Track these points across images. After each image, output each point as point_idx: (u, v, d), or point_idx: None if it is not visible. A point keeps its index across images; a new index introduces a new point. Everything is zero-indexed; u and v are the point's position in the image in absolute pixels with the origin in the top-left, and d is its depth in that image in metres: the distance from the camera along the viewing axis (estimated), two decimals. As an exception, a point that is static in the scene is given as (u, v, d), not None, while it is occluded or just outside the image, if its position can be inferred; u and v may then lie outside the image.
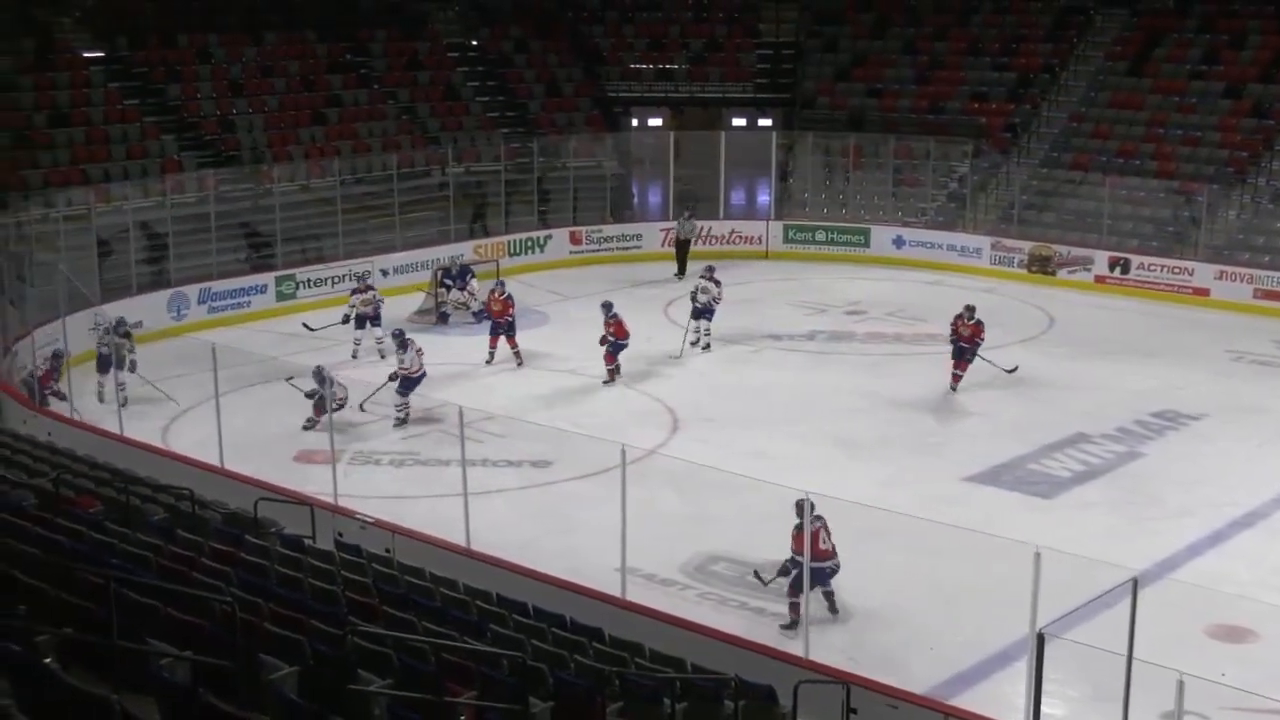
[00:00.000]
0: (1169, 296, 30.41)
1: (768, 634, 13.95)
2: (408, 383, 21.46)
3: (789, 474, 16.54)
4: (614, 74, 40.78)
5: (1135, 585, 10.95)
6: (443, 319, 27.35)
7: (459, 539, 15.20)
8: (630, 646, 11.91)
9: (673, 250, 32.91)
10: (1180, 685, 9.78)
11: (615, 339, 23.64)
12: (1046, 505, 18.44)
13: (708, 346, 25.58)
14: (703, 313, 25.64)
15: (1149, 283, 30.96)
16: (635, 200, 40.00)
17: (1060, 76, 38.11)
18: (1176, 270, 30.86)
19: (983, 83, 38.69)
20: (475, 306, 27.36)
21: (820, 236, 34.30)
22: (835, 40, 41.43)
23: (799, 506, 13.79)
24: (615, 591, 14.10)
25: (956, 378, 23.19)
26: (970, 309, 23.44)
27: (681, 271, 31.98)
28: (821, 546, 14.12)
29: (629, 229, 35.28)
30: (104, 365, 22.17)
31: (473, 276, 28.26)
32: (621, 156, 38.53)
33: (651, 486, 16.99)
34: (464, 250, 31.40)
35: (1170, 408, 22.41)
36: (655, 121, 41.94)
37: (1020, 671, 11.78)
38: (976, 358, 23.20)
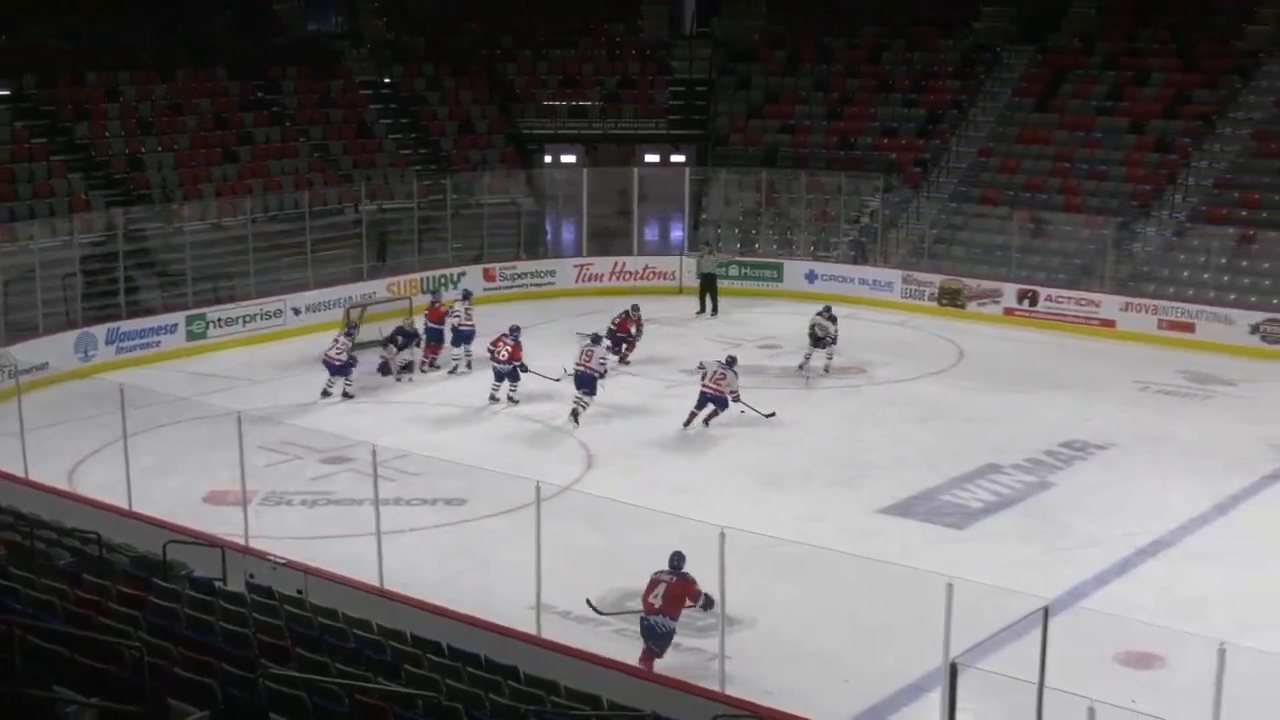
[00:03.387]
0: (1076, 328, 30.88)
1: (684, 669, 13.93)
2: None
3: (706, 508, 16.57)
4: (528, 111, 40.86)
5: (1046, 614, 11.07)
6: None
7: (372, 579, 15.07)
8: (546, 684, 11.84)
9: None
10: (1091, 712, 9.89)
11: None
12: (959, 536, 18.60)
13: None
14: (820, 341, 26.75)
15: (1057, 314, 31.42)
16: (549, 237, 40.03)
17: (969, 113, 38.67)
18: (1083, 302, 31.34)
19: (893, 119, 39.18)
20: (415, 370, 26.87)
21: (734, 271, 34.48)
22: (748, 77, 41.79)
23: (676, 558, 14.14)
24: (531, 629, 14.03)
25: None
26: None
27: (706, 309, 32.44)
28: (650, 600, 14.15)
29: (543, 265, 35.30)
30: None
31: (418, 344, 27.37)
32: (535, 193, 38.58)
33: (567, 522, 16.97)
34: (376, 288, 31.25)
35: (1079, 438, 22.71)
36: (569, 158, 42.01)
37: (934, 702, 11.85)
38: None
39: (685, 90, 41.60)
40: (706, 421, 23.11)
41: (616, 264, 35.03)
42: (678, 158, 41.05)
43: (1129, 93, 37.08)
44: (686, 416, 23.16)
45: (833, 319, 27.05)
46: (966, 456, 21.70)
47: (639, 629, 14.33)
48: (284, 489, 19.99)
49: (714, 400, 22.95)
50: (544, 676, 12.06)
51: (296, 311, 29.92)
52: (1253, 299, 30.43)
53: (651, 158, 41.70)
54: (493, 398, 24.57)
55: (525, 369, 24.61)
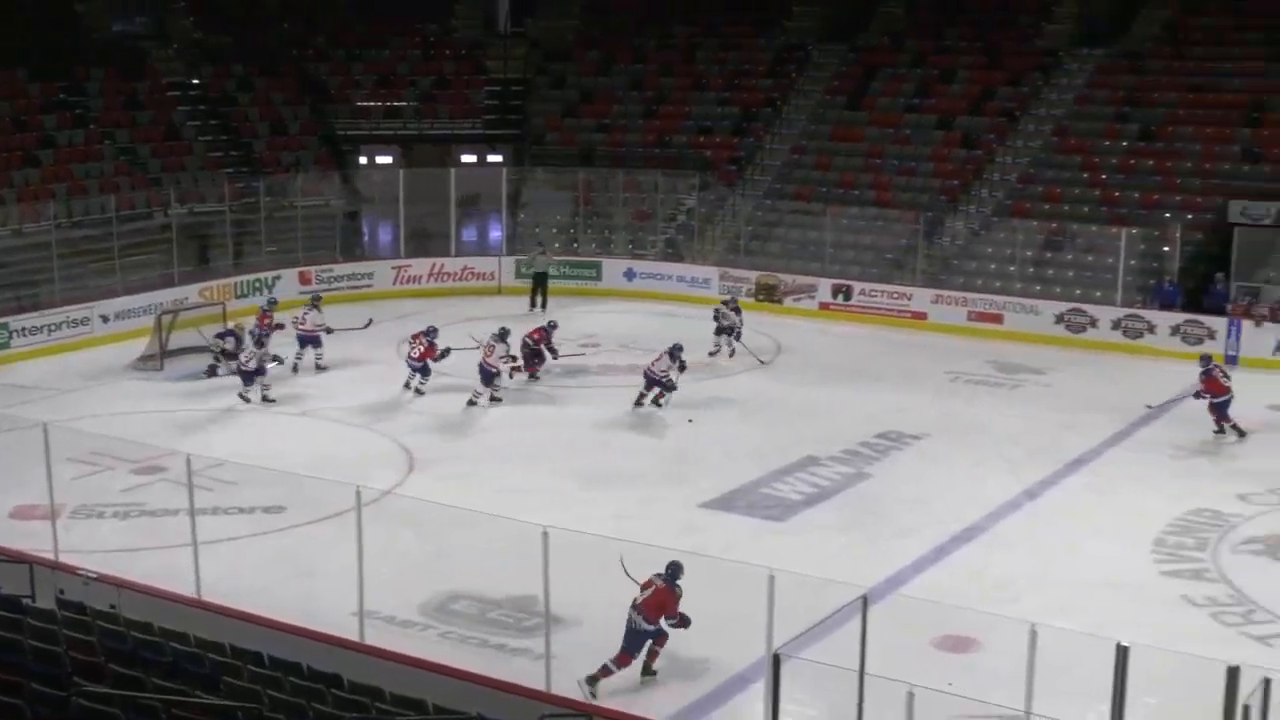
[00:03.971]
0: (889, 321, 31.53)
1: (509, 670, 13.88)
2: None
3: (528, 509, 16.53)
4: (342, 112, 40.35)
5: (865, 602, 11.27)
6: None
7: (190, 590, 14.75)
8: (370, 691, 11.72)
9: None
10: (910, 697, 10.10)
11: (420, 359, 24.79)
12: (780, 528, 18.85)
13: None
14: (724, 330, 28.21)
15: (870, 308, 32.04)
16: (365, 238, 39.58)
17: (782, 111, 39.21)
18: (895, 295, 32.02)
19: (708, 117, 39.56)
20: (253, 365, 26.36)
21: (552, 271, 34.47)
22: (563, 77, 41.86)
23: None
24: (354, 636, 13.87)
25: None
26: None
27: (536, 305, 32.54)
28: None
29: (360, 267, 34.86)
30: None
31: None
32: (350, 195, 38.09)
33: (389, 527, 16.79)
34: (189, 293, 30.54)
35: (894, 428, 23.19)
36: (384, 159, 41.59)
37: (759, 692, 11.98)
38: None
39: (501, 90, 41.46)
40: (656, 402, 24.12)
41: (435, 265, 34.77)
42: (494, 158, 40.94)
43: (936, 90, 37.97)
44: (636, 396, 24.20)
45: (736, 309, 28.52)
46: (786, 449, 22.00)
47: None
48: (95, 501, 19.40)
49: (657, 383, 23.96)
50: (368, 683, 11.93)
51: (105, 319, 29.10)
52: (1057, 290, 31.41)
53: (468, 158, 41.54)
54: (405, 385, 25.20)
55: (446, 352, 25.21)
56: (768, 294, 33.17)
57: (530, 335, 26.28)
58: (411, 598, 15.88)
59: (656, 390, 24.01)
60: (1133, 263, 31.10)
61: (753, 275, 33.63)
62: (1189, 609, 15.99)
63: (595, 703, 12.93)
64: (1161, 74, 36.28)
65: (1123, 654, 9.71)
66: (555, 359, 26.38)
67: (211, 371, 25.97)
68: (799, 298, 32.96)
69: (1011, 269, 32.67)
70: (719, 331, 28.26)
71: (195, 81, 39.14)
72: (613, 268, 35.09)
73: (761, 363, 27.63)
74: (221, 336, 26.26)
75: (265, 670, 11.96)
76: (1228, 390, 22.40)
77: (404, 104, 40.70)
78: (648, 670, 14.29)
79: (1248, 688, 9.19)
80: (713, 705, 13.81)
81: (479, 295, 33.55)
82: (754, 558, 14.94)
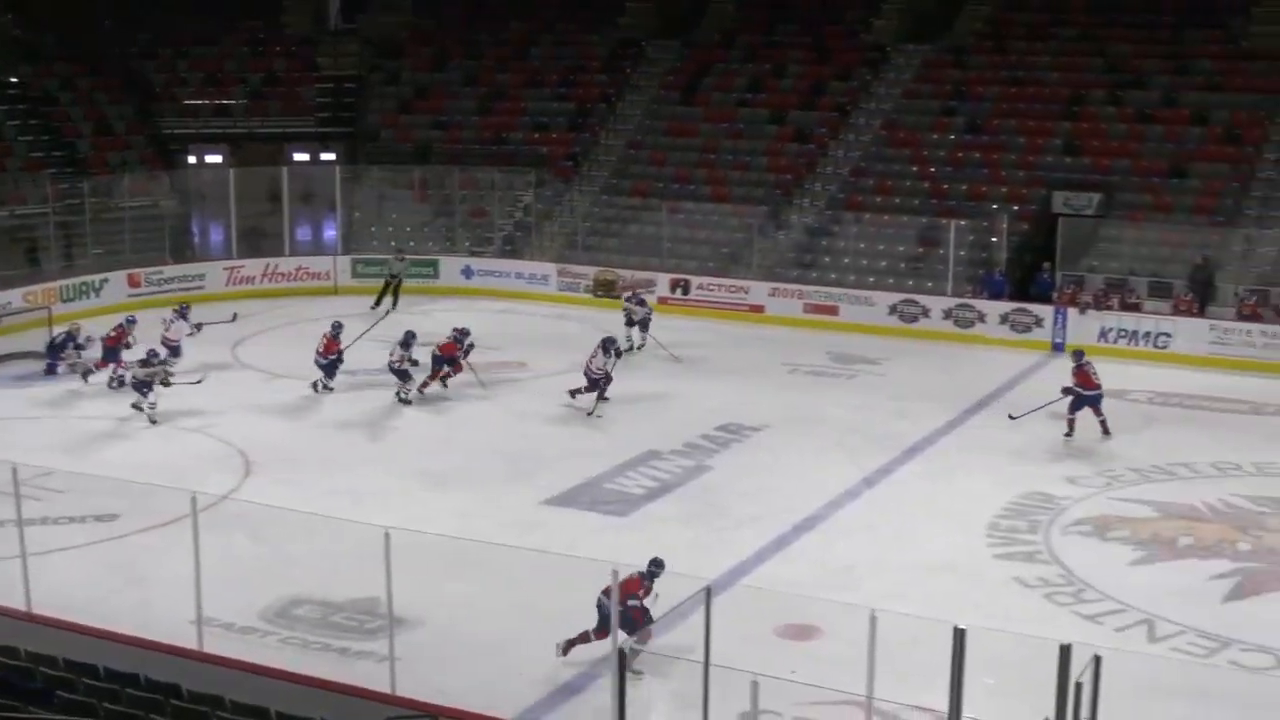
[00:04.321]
0: (728, 314, 31.80)
1: (353, 674, 13.72)
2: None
3: (371, 511, 16.40)
4: (168, 110, 39.55)
5: (708, 594, 11.34)
6: (51, 370, 25.59)
7: (18, 603, 14.33)
8: (210, 700, 11.50)
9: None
10: (754, 686, 10.20)
11: (324, 354, 24.76)
12: (623, 523, 18.90)
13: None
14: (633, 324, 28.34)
15: (709, 302, 32.28)
16: (196, 239, 38.79)
17: (617, 106, 39.33)
18: (733, 289, 32.31)
19: (543, 113, 39.53)
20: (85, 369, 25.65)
21: (390, 269, 34.14)
22: (397, 73, 41.52)
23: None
24: (192, 644, 13.59)
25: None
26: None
27: (384, 304, 32.07)
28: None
29: (190, 269, 34.06)
30: None
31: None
32: (179, 195, 37.31)
33: (226, 532, 16.48)
34: (13, 297, 29.63)
35: (734, 421, 23.39)
36: (214, 158, 40.77)
37: (606, 687, 12.00)
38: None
39: (334, 87, 40.99)
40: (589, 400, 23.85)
41: (268, 265, 34.21)
42: (328, 156, 40.38)
43: (768, 85, 38.40)
44: (574, 388, 24.06)
45: (641, 302, 28.79)
46: (627, 444, 22.07)
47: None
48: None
49: (597, 383, 23.80)
50: (208, 692, 11.71)
51: (-75, 324, 28.15)
52: (890, 281, 31.96)
53: (301, 156, 40.91)
54: (313, 384, 25.12)
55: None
56: (606, 290, 33.23)
57: (440, 347, 25.35)
58: (251, 603, 15.62)
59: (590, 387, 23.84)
60: (962, 253, 31.79)
61: (591, 271, 33.68)
62: (1023, 590, 16.40)
63: (444, 702, 12.82)
64: (985, 69, 37.15)
65: (960, 636, 9.90)
66: (460, 373, 25.28)
67: (50, 370, 25.41)
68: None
69: (845, 261, 33.18)
70: (629, 324, 28.26)
71: (15, 80, 37.97)
72: (451, 265, 34.85)
73: (676, 359, 27.52)
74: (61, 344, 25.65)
75: (101, 683, 11.68)
76: (1098, 386, 22.43)
77: (233, 102, 40.00)
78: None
79: (1079, 665, 9.44)
80: (560, 700, 13.81)
81: (315, 295, 33.09)
82: (597, 553, 15.01)
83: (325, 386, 25.04)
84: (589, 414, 23.57)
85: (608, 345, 24.10)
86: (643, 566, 14.10)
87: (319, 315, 29.95)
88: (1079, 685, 9.35)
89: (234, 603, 15.11)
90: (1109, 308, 29.54)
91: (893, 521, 18.96)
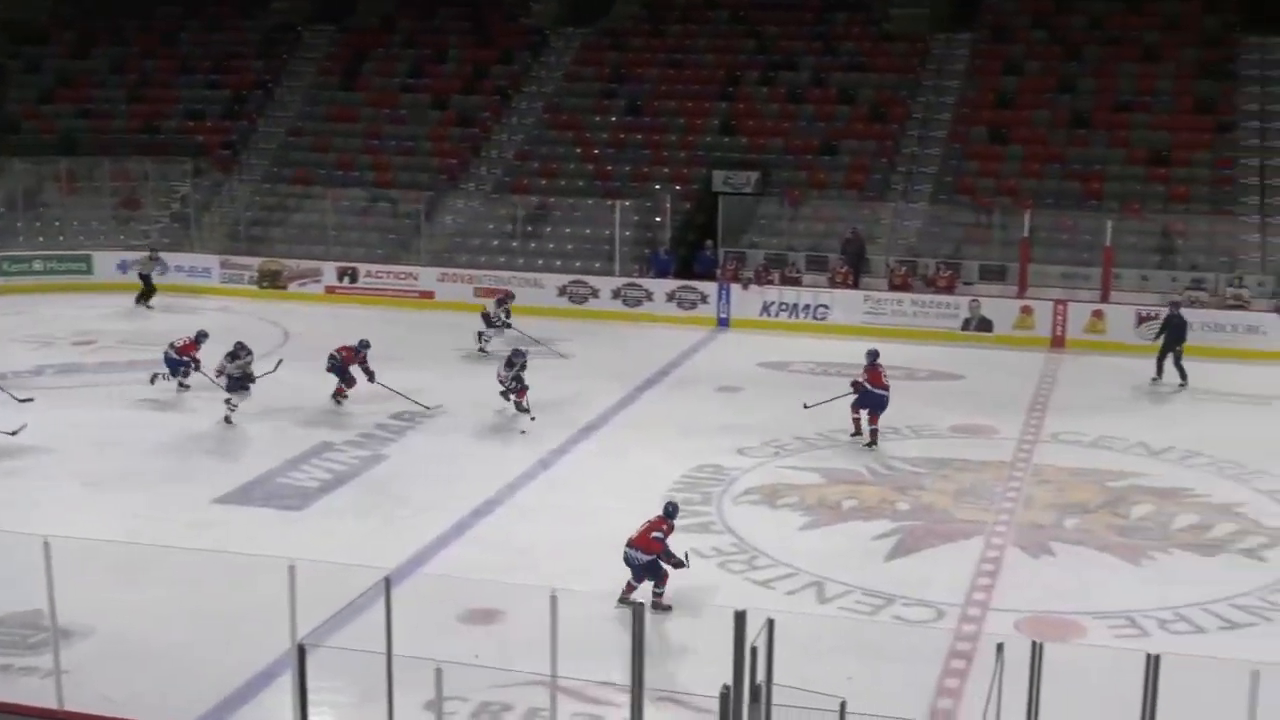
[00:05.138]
0: (398, 301, 31.57)
1: (15, 691, 13.05)
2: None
3: (28, 519, 15.61)
4: None
5: (388, 584, 11.24)
6: None
7: None
8: None
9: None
10: (439, 673, 10.16)
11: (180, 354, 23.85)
12: (299, 517, 18.53)
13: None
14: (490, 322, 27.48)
15: (378, 290, 31.97)
16: None
17: (275, 93, 38.49)
18: (402, 276, 32.07)
19: (197, 101, 38.36)
20: None
21: (38, 266, 32.65)
22: (38, 61, 39.62)
23: None
24: None
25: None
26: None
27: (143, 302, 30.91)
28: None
29: None
30: None
31: None
32: None
33: None
34: None
35: (407, 409, 23.20)
36: None
37: (287, 685, 11.76)
38: None
39: (-32, 76, 38.83)
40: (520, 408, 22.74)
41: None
42: (-35, 148, 38.21)
43: (430, 70, 38.22)
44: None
45: (500, 301, 28.04)
46: (299, 437, 21.67)
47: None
48: None
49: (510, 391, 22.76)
50: None
51: None
52: (558, 263, 32.25)
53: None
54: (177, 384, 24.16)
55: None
56: (272, 280, 32.53)
57: (338, 350, 23.99)
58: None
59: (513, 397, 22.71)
60: (628, 233, 32.31)
61: (255, 262, 32.90)
62: (698, 561, 16.77)
63: (113, 713, 12.32)
64: (643, 51, 37.85)
65: (639, 610, 10.09)
66: (371, 382, 23.80)
67: None
68: (304, 283, 32.48)
69: (514, 244, 33.31)
70: (487, 325, 27.55)
71: None
72: (104, 260, 33.45)
73: (561, 356, 26.91)
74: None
75: None
76: (887, 388, 21.85)
77: None
78: (658, 606, 15.08)
79: (754, 629, 9.73)
80: (239, 702, 13.45)
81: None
82: (274, 549, 14.69)
83: (167, 380, 24.08)
84: (526, 424, 22.59)
85: (513, 360, 22.85)
86: (322, 558, 13.83)
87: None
88: (754, 649, 9.63)
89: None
90: (770, 283, 30.51)
91: (571, 501, 19.14)
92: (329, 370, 23.78)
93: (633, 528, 15.52)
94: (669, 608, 15.17)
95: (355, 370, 23.71)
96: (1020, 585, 15.94)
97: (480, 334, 27.38)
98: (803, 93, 35.86)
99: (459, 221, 34.34)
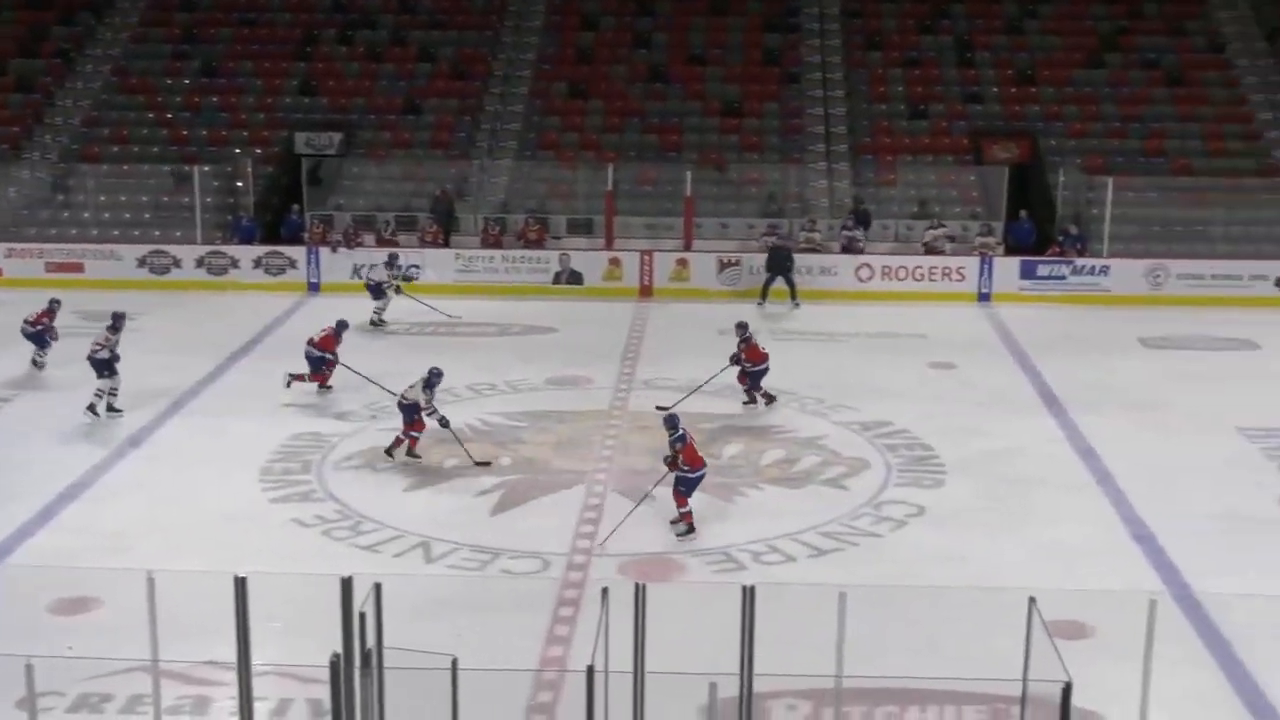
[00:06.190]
0: None
1: None
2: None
3: None
4: None
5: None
6: None
7: None
8: None
9: None
10: (29, 669, 9.65)
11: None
12: None
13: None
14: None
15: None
16: None
17: None
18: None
19: None
20: None
21: None
22: None
23: None
24: None
25: None
26: None
27: None
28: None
29: None
30: None
31: None
32: None
33: None
34: None
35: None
36: None
37: None
38: None
39: None
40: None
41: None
42: None
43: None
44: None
45: (389, 263, 27.57)
46: None
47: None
48: None
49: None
50: None
51: None
52: (136, 233, 31.07)
53: None
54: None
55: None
56: None
57: (310, 340, 21.96)
58: None
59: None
60: (209, 200, 31.34)
61: None
62: (301, 530, 16.50)
63: None
64: (215, 10, 36.72)
65: (241, 584, 9.84)
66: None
67: None
68: None
69: (86, 215, 31.81)
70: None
71: None
72: None
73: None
74: None
75: None
76: (766, 358, 21.60)
77: None
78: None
79: (361, 595, 9.65)
80: None
81: None
82: None
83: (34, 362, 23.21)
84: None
85: (431, 380, 19.54)
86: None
87: None
88: (363, 615, 9.56)
89: None
90: (360, 244, 30.15)
91: (164, 478, 18.46)
92: (306, 357, 21.83)
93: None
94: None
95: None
96: (622, 530, 16.37)
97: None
98: (383, 51, 35.56)
99: (26, 194, 32.50)
